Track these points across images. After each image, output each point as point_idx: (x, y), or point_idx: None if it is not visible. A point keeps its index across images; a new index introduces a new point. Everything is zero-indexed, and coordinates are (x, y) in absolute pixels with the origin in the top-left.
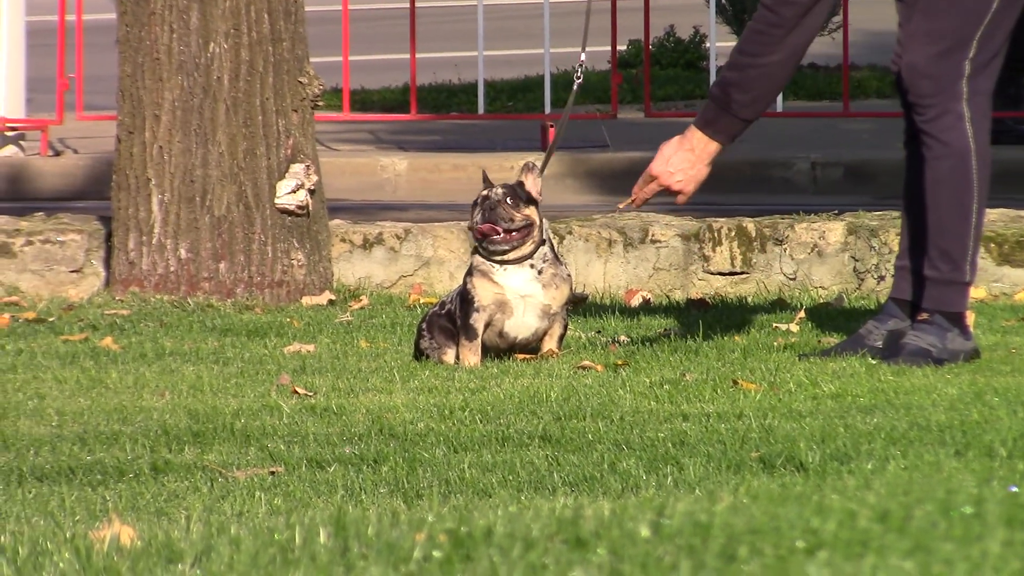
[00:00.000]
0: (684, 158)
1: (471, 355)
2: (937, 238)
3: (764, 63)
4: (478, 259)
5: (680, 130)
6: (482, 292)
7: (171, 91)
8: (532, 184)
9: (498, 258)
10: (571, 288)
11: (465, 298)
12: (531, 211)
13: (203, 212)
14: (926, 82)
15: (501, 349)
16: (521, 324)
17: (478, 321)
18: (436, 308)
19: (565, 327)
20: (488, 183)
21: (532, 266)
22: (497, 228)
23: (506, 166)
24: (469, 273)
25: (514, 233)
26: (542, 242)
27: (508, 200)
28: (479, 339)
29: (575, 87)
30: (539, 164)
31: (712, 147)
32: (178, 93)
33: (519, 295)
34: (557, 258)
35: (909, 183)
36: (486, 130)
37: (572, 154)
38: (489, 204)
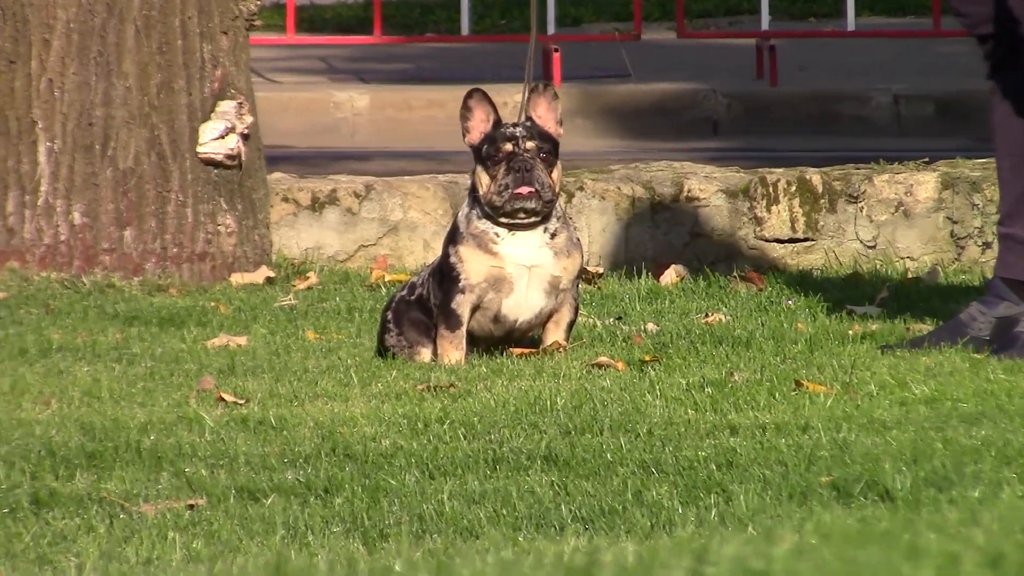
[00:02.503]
0: None
1: (453, 349)
2: None
3: None
4: (476, 222)
5: (722, 54)
6: (472, 266)
7: (65, 9)
8: (547, 112)
9: (512, 220)
10: (583, 257)
11: (446, 274)
12: (559, 170)
13: (104, 164)
14: None
15: (495, 338)
16: (523, 303)
17: (463, 305)
18: (404, 292)
19: (575, 311)
20: (493, 111)
21: (546, 229)
22: (537, 191)
23: (498, 101)
24: (453, 240)
25: (550, 203)
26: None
27: (542, 156)
28: (464, 328)
29: None
30: (551, 85)
31: None
32: (74, 12)
33: (523, 266)
34: (567, 218)
35: (1007, 124)
36: (471, 55)
37: (583, 86)
38: (522, 164)
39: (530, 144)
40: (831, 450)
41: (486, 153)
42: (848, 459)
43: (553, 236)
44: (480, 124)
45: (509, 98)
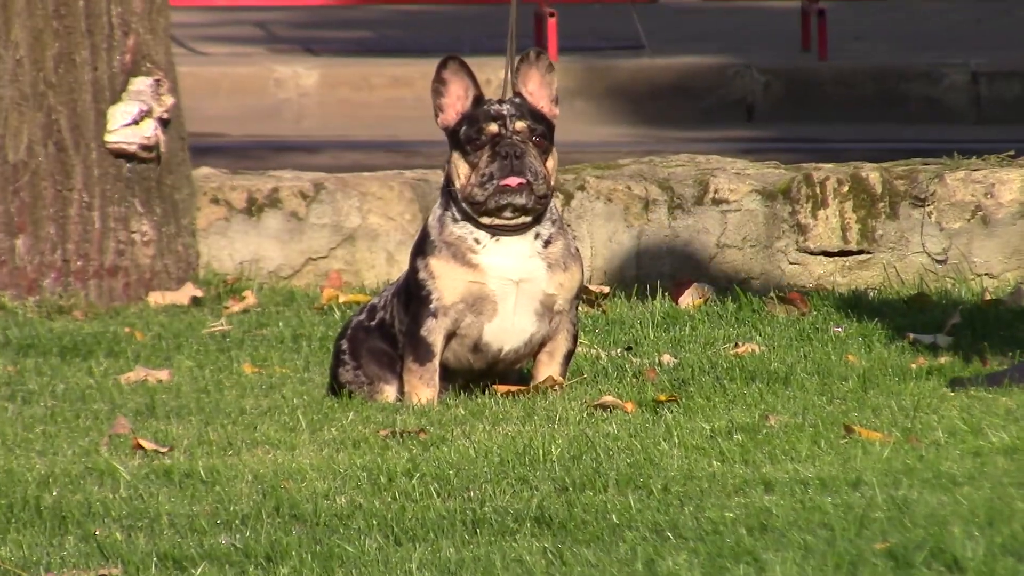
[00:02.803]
0: None
1: (423, 386)
2: None
3: None
4: (451, 226)
5: (759, 20)
6: (447, 283)
7: None
8: (540, 87)
9: (496, 220)
10: (583, 272)
11: (414, 293)
12: (554, 159)
13: None
14: None
15: (475, 372)
16: (510, 328)
17: (435, 331)
18: (362, 316)
19: (574, 339)
20: (473, 84)
21: (538, 235)
22: (529, 183)
23: (480, 78)
24: (422, 250)
25: (544, 199)
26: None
27: (535, 140)
28: (436, 360)
29: None
30: (544, 54)
31: None
32: None
33: (510, 281)
34: (563, 223)
35: None
36: (446, 20)
37: (585, 59)
38: (510, 149)
39: (520, 124)
40: (888, 511)
41: (465, 136)
42: (909, 522)
43: (547, 244)
44: (457, 101)
45: (493, 74)
